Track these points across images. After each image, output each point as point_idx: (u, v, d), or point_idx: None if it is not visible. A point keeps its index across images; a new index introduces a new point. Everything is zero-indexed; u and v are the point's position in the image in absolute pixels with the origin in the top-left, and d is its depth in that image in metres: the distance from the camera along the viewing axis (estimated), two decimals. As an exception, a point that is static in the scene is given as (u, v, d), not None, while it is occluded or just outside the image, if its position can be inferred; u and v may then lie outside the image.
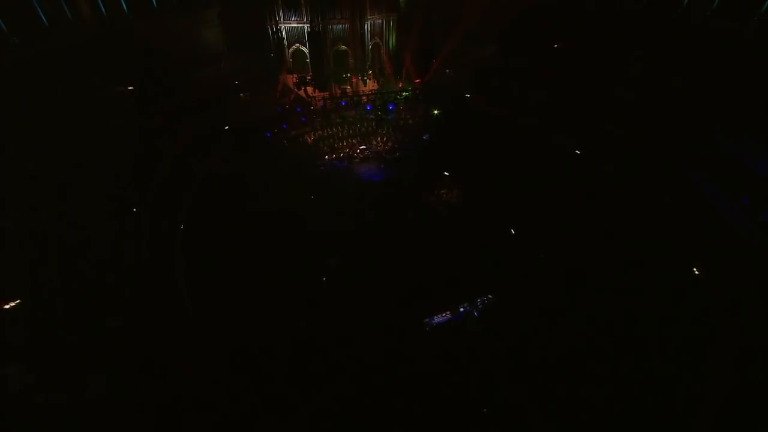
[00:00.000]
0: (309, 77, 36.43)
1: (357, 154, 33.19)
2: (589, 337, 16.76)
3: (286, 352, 15.97)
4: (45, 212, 16.19)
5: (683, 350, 15.58)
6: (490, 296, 19.28)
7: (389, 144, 34.35)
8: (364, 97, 36.30)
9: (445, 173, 29.20)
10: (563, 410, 14.38)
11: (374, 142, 34.46)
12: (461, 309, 18.80)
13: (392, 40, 40.72)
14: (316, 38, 34.84)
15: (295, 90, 36.45)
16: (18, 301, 14.16)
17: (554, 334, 17.14)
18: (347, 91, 37.25)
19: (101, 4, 26.71)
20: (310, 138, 33.99)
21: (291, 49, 38.14)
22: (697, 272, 17.80)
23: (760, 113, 19.75)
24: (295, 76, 37.44)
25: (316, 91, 35.94)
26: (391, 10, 39.04)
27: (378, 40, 40.34)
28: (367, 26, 38.57)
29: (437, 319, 18.26)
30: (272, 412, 13.78)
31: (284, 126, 33.93)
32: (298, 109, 35.47)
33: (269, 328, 17.09)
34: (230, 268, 19.85)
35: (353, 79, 38.55)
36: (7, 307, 13.96)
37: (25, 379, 12.58)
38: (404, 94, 36.28)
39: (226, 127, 31.10)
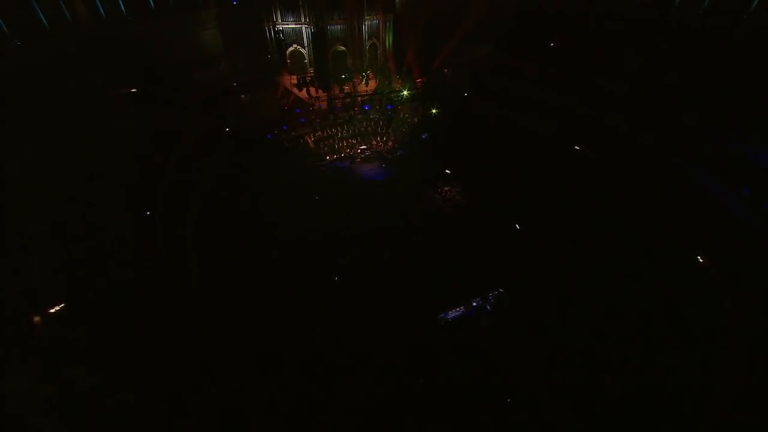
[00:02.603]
0: (309, 77, 36.39)
1: (358, 154, 33.38)
2: (598, 327, 17.18)
3: (307, 352, 16.03)
4: (66, 215, 16.08)
5: (691, 338, 16.07)
6: (501, 290, 19.58)
7: (389, 143, 34.62)
8: (367, 97, 36.49)
9: (447, 171, 29.56)
10: (580, 398, 14.72)
11: (374, 142, 34.66)
12: (473, 303, 19.07)
13: (389, 40, 41.01)
14: (318, 38, 34.85)
15: (295, 91, 36.37)
16: (62, 305, 14.07)
17: (565, 325, 17.52)
18: (347, 90, 37.36)
19: (99, 6, 26.41)
20: (311, 139, 34.01)
21: (289, 50, 38.12)
22: (701, 260, 18.41)
23: (758, 107, 20.57)
24: (293, 77, 37.35)
25: (319, 91, 35.93)
26: (388, 11, 39.34)
27: (375, 40, 40.58)
28: (365, 27, 38.75)
29: (451, 314, 18.50)
30: (299, 412, 13.85)
31: (284, 127, 33.89)
32: (297, 110, 35.48)
33: (286, 329, 17.11)
34: (241, 271, 19.82)
35: (355, 80, 38.65)
36: (52, 311, 13.89)
37: (89, 381, 12.56)
38: (404, 93, 36.53)
39: (227, 129, 30.96)
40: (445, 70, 39.84)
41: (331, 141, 34.18)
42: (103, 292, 15.02)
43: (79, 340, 13.41)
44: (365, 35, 39.29)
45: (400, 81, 38.77)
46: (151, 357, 13.94)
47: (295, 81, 36.52)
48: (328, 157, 32.82)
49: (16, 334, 12.73)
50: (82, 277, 15.07)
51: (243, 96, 33.13)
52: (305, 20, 36.32)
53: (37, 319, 13.28)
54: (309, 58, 38.73)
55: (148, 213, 20.00)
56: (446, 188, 28.29)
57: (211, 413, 13.27)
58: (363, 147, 33.94)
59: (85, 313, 14.23)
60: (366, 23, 38.63)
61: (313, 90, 35.94)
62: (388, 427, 13.95)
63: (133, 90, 25.80)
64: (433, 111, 35.89)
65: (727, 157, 20.53)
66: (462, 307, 18.75)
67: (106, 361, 13.22)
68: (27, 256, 14.18)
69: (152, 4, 30.39)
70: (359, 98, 36.42)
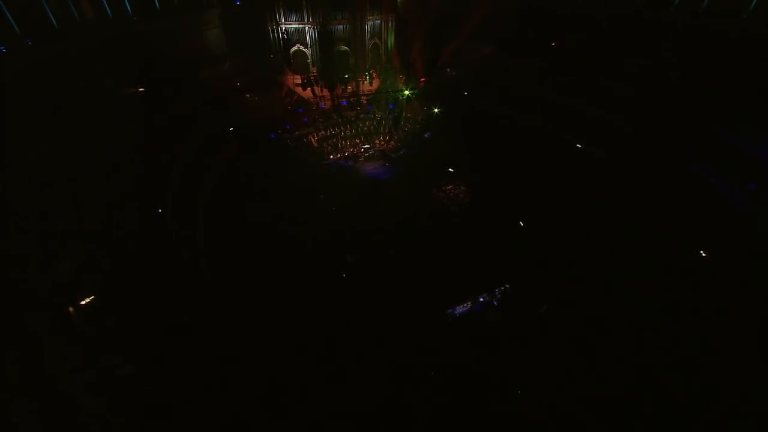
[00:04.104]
0: (312, 77, 36.60)
1: (361, 152, 33.63)
2: (602, 321, 17.46)
3: (318, 349, 16.26)
4: (83, 213, 16.36)
5: (696, 330, 16.36)
6: (507, 286, 19.85)
7: (392, 143, 34.89)
8: (370, 96, 36.77)
9: (450, 170, 29.82)
10: (588, 390, 14.98)
11: (377, 141, 34.94)
12: (480, 299, 19.34)
13: (391, 40, 41.19)
14: (324, 38, 35.08)
15: (298, 91, 36.58)
16: (92, 297, 14.39)
17: (570, 319, 17.79)
18: (350, 89, 37.61)
19: (106, 6, 26.59)
20: (314, 138, 34.22)
21: (292, 50, 38.27)
22: (704, 255, 18.71)
23: (758, 104, 20.95)
24: (297, 77, 37.53)
25: (323, 90, 36.16)
26: (390, 11, 39.53)
27: (377, 40, 40.75)
28: (367, 27, 38.94)
29: (459, 309, 18.76)
30: (312, 409, 14.10)
31: (288, 126, 34.08)
32: (300, 110, 35.68)
33: (294, 327, 17.30)
34: (249, 270, 19.97)
35: (360, 79, 38.88)
36: (83, 303, 14.21)
37: (125, 370, 12.89)
38: (405, 93, 36.80)
39: (231, 128, 31.11)
40: (448, 70, 40.13)
41: (334, 140, 34.43)
42: (125, 286, 15.30)
43: (112, 329, 13.73)
44: (367, 35, 39.49)
45: (402, 80, 39.01)
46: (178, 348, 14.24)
47: (298, 81, 36.72)
48: (331, 156, 33.08)
49: (55, 323, 13.03)
50: (106, 271, 15.32)
51: (248, 95, 33.35)
52: (308, 20, 36.49)
53: (71, 310, 13.61)
54: (312, 58, 38.89)
55: (159, 211, 20.25)
56: (450, 186, 28.58)
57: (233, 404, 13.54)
58: (366, 146, 34.21)
59: (113, 305, 14.54)
60: (368, 23, 38.83)
61: (317, 89, 36.20)
62: (399, 420, 14.18)
63: (142, 89, 26.01)
64: (436, 110, 36.16)
65: (729, 153, 20.91)
66: (469, 303, 19.04)
67: (140, 350, 13.53)
68: (55, 251, 14.48)
69: (157, 4, 30.57)
70: (363, 98, 36.69)
